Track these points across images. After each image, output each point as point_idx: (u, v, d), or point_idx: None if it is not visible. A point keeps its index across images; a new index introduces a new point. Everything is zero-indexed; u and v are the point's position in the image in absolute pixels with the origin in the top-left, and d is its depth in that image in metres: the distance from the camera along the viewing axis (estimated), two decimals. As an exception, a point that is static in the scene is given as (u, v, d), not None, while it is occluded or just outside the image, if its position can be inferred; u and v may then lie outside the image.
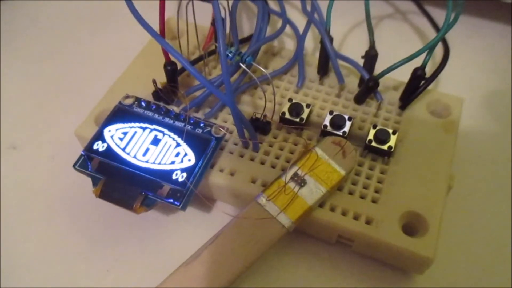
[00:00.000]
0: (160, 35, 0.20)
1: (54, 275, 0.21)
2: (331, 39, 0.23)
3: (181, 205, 0.19)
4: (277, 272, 0.21)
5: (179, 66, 0.23)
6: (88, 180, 0.20)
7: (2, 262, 0.21)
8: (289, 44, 0.27)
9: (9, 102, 0.27)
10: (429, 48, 0.21)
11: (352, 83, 0.24)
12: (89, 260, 0.21)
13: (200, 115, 0.23)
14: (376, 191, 0.21)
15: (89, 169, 0.20)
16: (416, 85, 0.22)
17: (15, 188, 0.23)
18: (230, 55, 0.21)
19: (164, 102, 0.23)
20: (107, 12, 0.31)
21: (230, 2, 0.24)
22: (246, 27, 0.29)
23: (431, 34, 0.28)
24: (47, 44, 0.30)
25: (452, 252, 0.21)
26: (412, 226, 0.20)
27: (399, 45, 0.26)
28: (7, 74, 0.28)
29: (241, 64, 0.21)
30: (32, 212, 0.22)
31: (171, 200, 0.19)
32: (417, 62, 0.22)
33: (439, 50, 0.25)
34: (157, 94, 0.23)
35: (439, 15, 0.28)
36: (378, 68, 0.23)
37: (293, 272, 0.21)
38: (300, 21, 0.26)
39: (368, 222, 0.20)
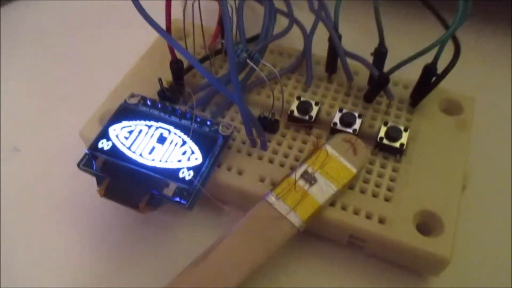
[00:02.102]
0: (167, 32, 0.20)
1: (56, 279, 0.20)
2: (339, 37, 0.23)
3: (188, 204, 0.19)
4: (286, 275, 0.20)
5: (185, 66, 0.23)
6: (93, 181, 0.20)
7: (3, 266, 0.20)
8: (296, 43, 0.26)
9: (11, 103, 0.26)
10: (441, 43, 0.20)
11: (361, 81, 0.24)
12: (93, 263, 0.20)
13: (206, 114, 0.22)
14: (389, 190, 0.20)
15: (94, 168, 0.20)
16: (428, 81, 0.22)
17: (17, 191, 0.23)
18: (237, 51, 0.20)
19: (170, 101, 0.22)
20: (111, 13, 0.31)
21: (237, 2, 0.24)
22: (252, 29, 0.29)
23: (439, 32, 0.28)
24: (50, 45, 0.30)
25: (468, 253, 0.20)
26: (426, 225, 0.19)
27: (406, 45, 0.25)
28: (9, 75, 0.28)
29: (249, 61, 0.21)
30: (34, 214, 0.22)
31: (178, 199, 0.19)
32: (426, 60, 0.22)
33: (447, 50, 0.25)
34: (162, 93, 0.22)
35: (447, 17, 0.27)
36: (386, 68, 0.22)
37: (303, 275, 0.20)
38: (306, 20, 0.26)
39: (381, 221, 0.19)
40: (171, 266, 0.19)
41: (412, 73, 0.23)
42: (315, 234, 0.21)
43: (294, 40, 0.26)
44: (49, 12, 0.32)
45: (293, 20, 0.25)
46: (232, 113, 0.23)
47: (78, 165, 0.20)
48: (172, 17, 0.22)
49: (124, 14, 0.31)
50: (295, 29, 0.26)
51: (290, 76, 0.24)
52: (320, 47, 0.25)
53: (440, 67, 0.22)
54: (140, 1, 0.19)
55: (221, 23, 0.24)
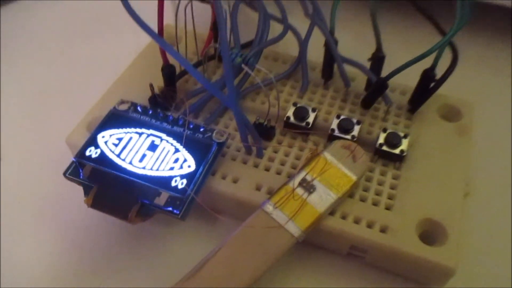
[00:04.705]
0: (159, 35, 0.19)
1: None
2: (336, 42, 0.22)
3: (180, 214, 0.18)
4: (283, 286, 0.19)
5: (177, 72, 0.22)
6: (80, 190, 0.19)
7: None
8: (291, 49, 0.26)
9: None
10: (439, 47, 0.20)
11: (358, 87, 0.23)
12: (79, 276, 0.19)
13: (199, 121, 0.22)
14: (390, 198, 0.19)
15: (81, 177, 0.19)
16: (426, 87, 0.21)
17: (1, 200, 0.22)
18: (232, 56, 0.20)
19: (162, 107, 0.21)
20: (103, 18, 0.30)
21: (231, 5, 0.23)
22: (245, 37, 0.29)
23: (437, 39, 0.28)
24: (38, 51, 0.29)
25: (472, 263, 0.20)
26: (430, 234, 0.18)
27: (403, 52, 0.25)
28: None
29: (243, 66, 0.20)
30: (19, 225, 0.21)
31: (170, 209, 0.18)
32: (424, 67, 0.21)
33: (447, 58, 0.24)
34: (154, 99, 0.21)
35: (446, 25, 0.27)
36: (384, 74, 0.22)
37: (301, 286, 0.19)
38: (301, 25, 0.25)
39: (383, 230, 0.18)
40: (162, 280, 0.18)
41: (408, 80, 0.22)
42: (314, 244, 0.20)
43: (289, 47, 0.26)
44: (38, 17, 0.31)
45: (288, 26, 0.24)
46: (226, 120, 0.22)
47: (65, 174, 0.19)
48: (164, 23, 0.21)
49: (116, 20, 0.30)
50: (290, 36, 0.25)
51: (285, 83, 0.24)
52: (315, 54, 0.24)
53: (440, 74, 0.21)
54: (132, 7, 0.19)
55: (214, 28, 0.23)
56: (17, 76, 0.27)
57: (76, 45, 0.29)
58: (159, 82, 0.22)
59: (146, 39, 0.25)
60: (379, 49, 0.22)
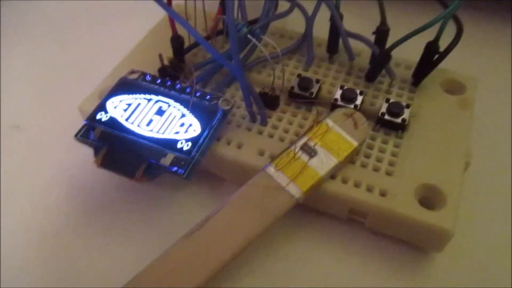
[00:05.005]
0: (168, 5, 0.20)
1: (53, 250, 0.20)
2: (341, 16, 0.23)
3: (185, 174, 0.18)
4: (286, 250, 0.20)
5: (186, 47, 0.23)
6: (90, 155, 0.20)
7: (3, 238, 0.20)
8: (298, 26, 0.26)
9: (14, 83, 0.27)
10: (442, 18, 0.20)
11: (363, 61, 0.23)
12: (88, 234, 0.20)
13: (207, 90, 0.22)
14: (390, 164, 0.20)
15: (91, 139, 0.20)
16: (430, 59, 0.21)
17: (16, 165, 0.23)
18: (238, 26, 0.20)
19: (171, 77, 0.22)
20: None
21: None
22: (253, 15, 0.29)
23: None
24: (52, 24, 0.30)
25: (472, 232, 0.20)
26: (429, 199, 0.19)
27: (410, 29, 0.25)
28: (10, 53, 0.28)
29: (249, 36, 0.21)
30: (35, 185, 0.22)
31: (175, 169, 0.18)
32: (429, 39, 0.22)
33: (450, 33, 0.25)
34: (163, 69, 0.22)
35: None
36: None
37: (303, 250, 0.20)
38: (307, 4, 0.26)
39: (382, 194, 0.19)
40: (167, 239, 0.18)
41: (414, 55, 0.23)
42: (316, 209, 0.20)
43: (296, 25, 0.26)
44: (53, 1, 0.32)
45: (294, 2, 0.25)
46: (233, 90, 0.22)
47: (76, 135, 0.20)
48: (174, 3, 0.22)
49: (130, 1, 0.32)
50: (297, 14, 0.26)
51: (291, 57, 0.24)
52: (321, 32, 0.25)
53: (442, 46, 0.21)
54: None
55: (223, 3, 0.24)
56: (34, 53, 0.29)
57: (90, 23, 0.30)
58: (168, 56, 0.23)
59: (157, 18, 0.26)
60: (383, 22, 0.22)
